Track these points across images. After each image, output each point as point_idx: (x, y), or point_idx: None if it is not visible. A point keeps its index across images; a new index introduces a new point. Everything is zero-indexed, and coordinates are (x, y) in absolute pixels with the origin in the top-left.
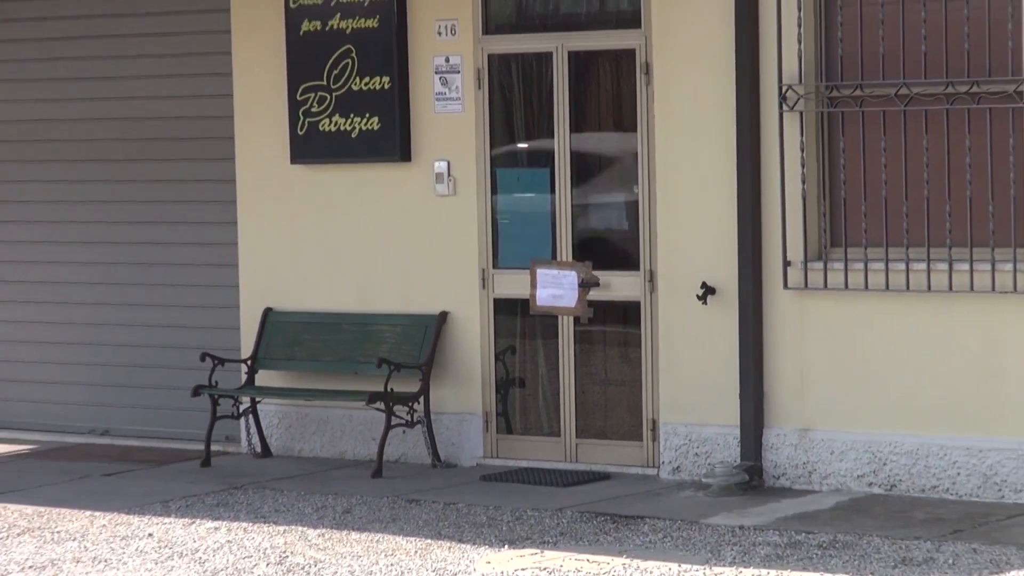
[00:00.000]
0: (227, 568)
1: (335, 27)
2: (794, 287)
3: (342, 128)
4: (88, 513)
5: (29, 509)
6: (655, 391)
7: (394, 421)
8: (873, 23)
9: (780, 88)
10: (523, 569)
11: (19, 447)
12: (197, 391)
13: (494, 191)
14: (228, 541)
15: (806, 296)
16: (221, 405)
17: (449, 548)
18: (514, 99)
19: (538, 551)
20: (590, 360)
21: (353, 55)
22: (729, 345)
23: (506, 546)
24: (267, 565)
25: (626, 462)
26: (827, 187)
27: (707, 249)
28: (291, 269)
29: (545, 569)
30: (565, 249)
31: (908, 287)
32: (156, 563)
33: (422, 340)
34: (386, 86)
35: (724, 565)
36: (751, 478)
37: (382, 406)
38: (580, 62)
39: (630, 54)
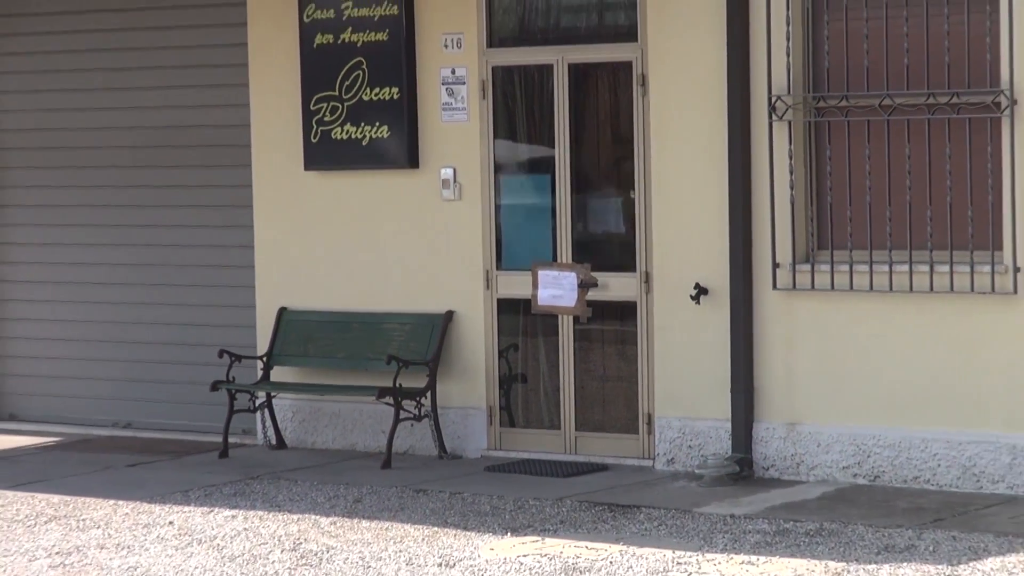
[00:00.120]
0: (244, 554)
1: (347, 40)
2: (783, 288)
3: (353, 136)
4: (112, 502)
5: (56, 498)
6: (650, 386)
7: (402, 415)
8: (858, 37)
9: (769, 99)
10: (525, 555)
11: (46, 440)
12: (215, 386)
13: (497, 196)
14: (245, 528)
15: (794, 296)
16: (238, 399)
17: (455, 535)
18: (517, 109)
19: (539, 538)
20: (589, 357)
21: (364, 67)
22: (721, 343)
23: (509, 533)
24: (282, 551)
25: (623, 454)
26: (814, 193)
27: (700, 251)
28: (304, 270)
29: (546, 555)
30: (565, 251)
31: (891, 288)
32: (176, 549)
33: (429, 338)
34: (395, 96)
35: (716, 552)
36: (742, 469)
37: (391, 401)
38: (579, 74)
39: (627, 66)
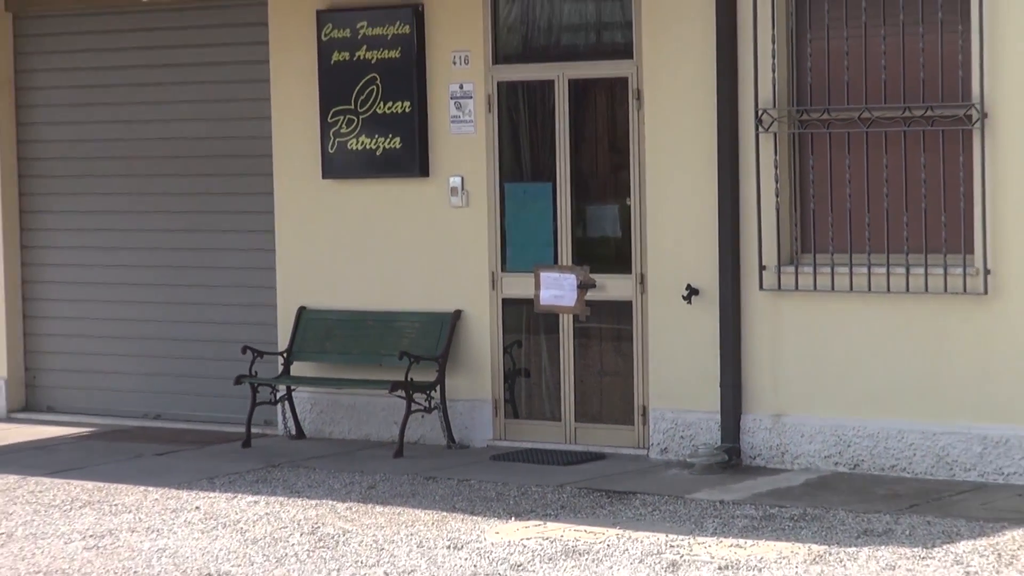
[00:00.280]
0: (266, 537)
1: (362, 57)
2: (769, 289)
3: (368, 147)
4: (142, 488)
5: (90, 484)
6: (645, 381)
7: (414, 407)
8: (839, 54)
9: (756, 112)
10: (528, 539)
11: (81, 430)
12: (239, 380)
13: (502, 203)
14: (266, 513)
15: (779, 297)
16: (260, 393)
17: (462, 520)
18: (520, 121)
19: (541, 523)
20: (587, 353)
21: (378, 82)
22: (711, 340)
23: (513, 518)
24: (301, 535)
25: (619, 444)
26: (798, 199)
27: (691, 254)
28: (322, 272)
29: (547, 539)
30: (565, 254)
31: (870, 289)
32: (202, 532)
33: (439, 335)
34: (407, 110)
35: (706, 535)
36: (730, 458)
37: (403, 393)
38: (579, 89)
39: (623, 82)
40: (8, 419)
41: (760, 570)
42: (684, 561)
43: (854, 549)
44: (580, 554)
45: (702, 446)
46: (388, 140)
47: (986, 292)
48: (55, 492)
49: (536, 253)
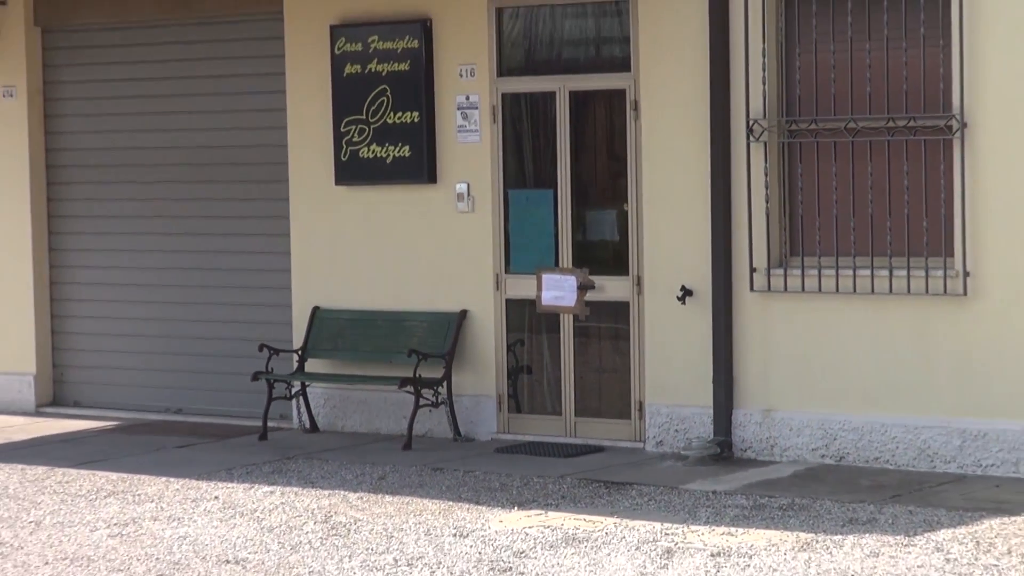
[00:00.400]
0: (281, 526)
1: (373, 70)
2: (759, 290)
3: (378, 155)
4: (164, 479)
5: (114, 475)
6: (642, 377)
7: (422, 402)
8: (826, 67)
9: (747, 122)
10: (530, 527)
11: (106, 424)
12: (256, 376)
13: (506, 208)
14: (282, 503)
15: (769, 298)
16: (276, 388)
17: (468, 509)
18: (523, 131)
19: (543, 512)
20: (587, 351)
21: (388, 93)
22: (704, 338)
23: (516, 508)
24: (315, 523)
25: (617, 437)
26: (787, 205)
27: (685, 257)
28: (335, 274)
29: (549, 527)
30: (566, 257)
31: (855, 290)
32: (221, 521)
33: (445, 334)
34: (416, 120)
35: (700, 524)
36: (722, 451)
37: (411, 389)
38: (579, 100)
39: (621, 93)
40: (37, 413)
41: (751, 557)
42: (678, 548)
43: (840, 537)
44: (580, 542)
45: (695, 439)
46: (398, 148)
47: (966, 293)
48: (81, 483)
49: (538, 256)
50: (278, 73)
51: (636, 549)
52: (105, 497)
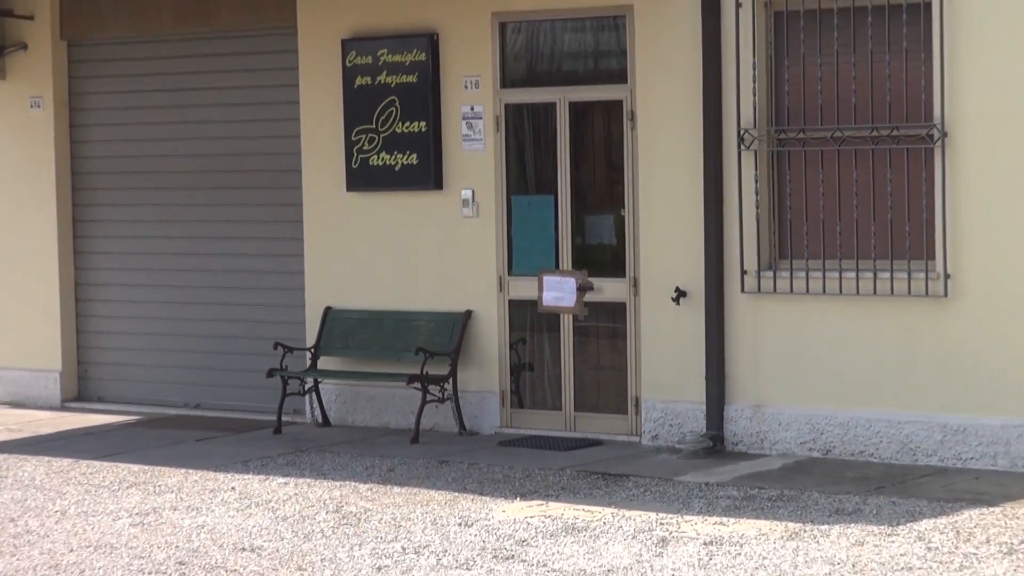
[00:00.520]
0: (295, 515)
1: (382, 82)
2: (749, 291)
3: (388, 163)
4: (183, 471)
5: (136, 467)
6: (638, 374)
7: (428, 398)
8: (813, 79)
9: (739, 132)
10: (532, 517)
11: (128, 418)
12: (271, 373)
13: (509, 213)
14: (295, 493)
15: (759, 299)
16: (290, 385)
17: (472, 499)
18: (525, 140)
19: (544, 502)
20: (586, 349)
21: (396, 104)
22: (697, 337)
23: (518, 498)
24: (327, 513)
25: (614, 431)
26: (776, 211)
27: (679, 260)
28: (347, 275)
29: (549, 517)
30: (566, 260)
31: (841, 291)
32: (238, 511)
33: (451, 332)
34: (423, 129)
35: (693, 514)
36: (714, 444)
37: (419, 386)
38: (578, 110)
39: (618, 104)
40: (62, 408)
41: (741, 545)
42: (673, 537)
43: (826, 526)
44: (579, 531)
45: (689, 433)
46: (406, 156)
47: (946, 295)
48: (104, 474)
49: (539, 259)
50: (292, 85)
51: (632, 538)
52: (127, 488)
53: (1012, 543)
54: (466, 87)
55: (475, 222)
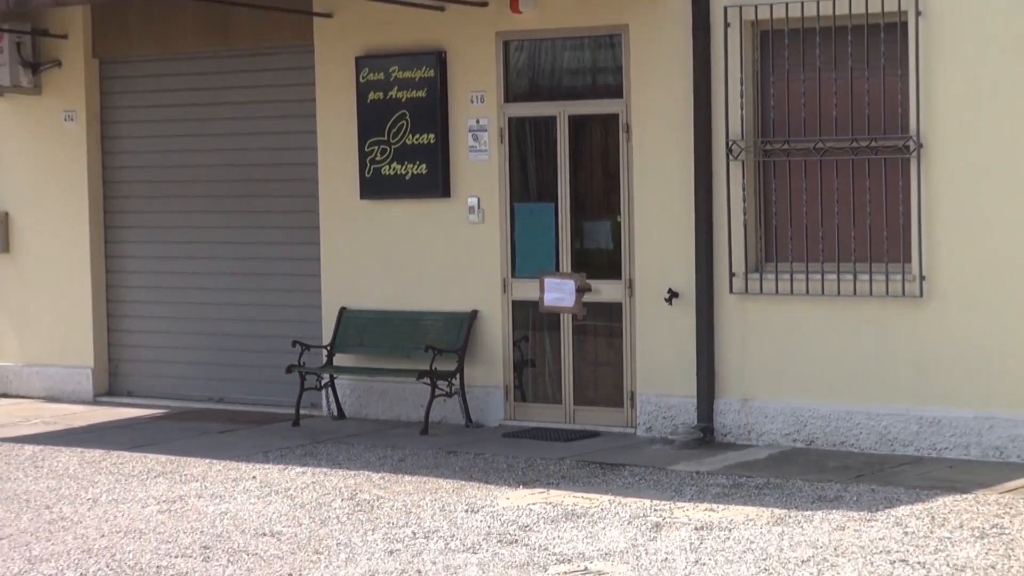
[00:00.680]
0: (312, 502)
1: (393, 96)
2: (738, 292)
3: (398, 172)
4: (207, 461)
5: (163, 458)
6: (633, 370)
7: (437, 392)
8: (797, 94)
9: (727, 143)
10: (534, 504)
11: (155, 411)
12: (290, 369)
13: (512, 220)
14: (312, 482)
15: (747, 299)
16: (307, 380)
17: (478, 488)
18: (527, 151)
19: (545, 490)
20: (584, 347)
21: (407, 117)
22: (688, 335)
23: (521, 486)
24: (342, 500)
25: (611, 423)
26: (763, 217)
27: (672, 263)
28: (360, 278)
29: (550, 504)
30: (566, 263)
31: (823, 292)
32: (258, 498)
33: (458, 331)
34: (431, 141)
35: (685, 501)
36: (705, 435)
37: (428, 381)
38: (577, 123)
39: (615, 117)
40: (94, 402)
41: (730, 530)
42: (666, 523)
43: (810, 512)
44: (578, 517)
45: (681, 425)
46: (416, 166)
47: (922, 295)
48: (134, 464)
49: (541, 262)
50: (309, 99)
51: (628, 523)
52: (155, 477)
53: (984, 527)
54: (472, 101)
55: (480, 228)
